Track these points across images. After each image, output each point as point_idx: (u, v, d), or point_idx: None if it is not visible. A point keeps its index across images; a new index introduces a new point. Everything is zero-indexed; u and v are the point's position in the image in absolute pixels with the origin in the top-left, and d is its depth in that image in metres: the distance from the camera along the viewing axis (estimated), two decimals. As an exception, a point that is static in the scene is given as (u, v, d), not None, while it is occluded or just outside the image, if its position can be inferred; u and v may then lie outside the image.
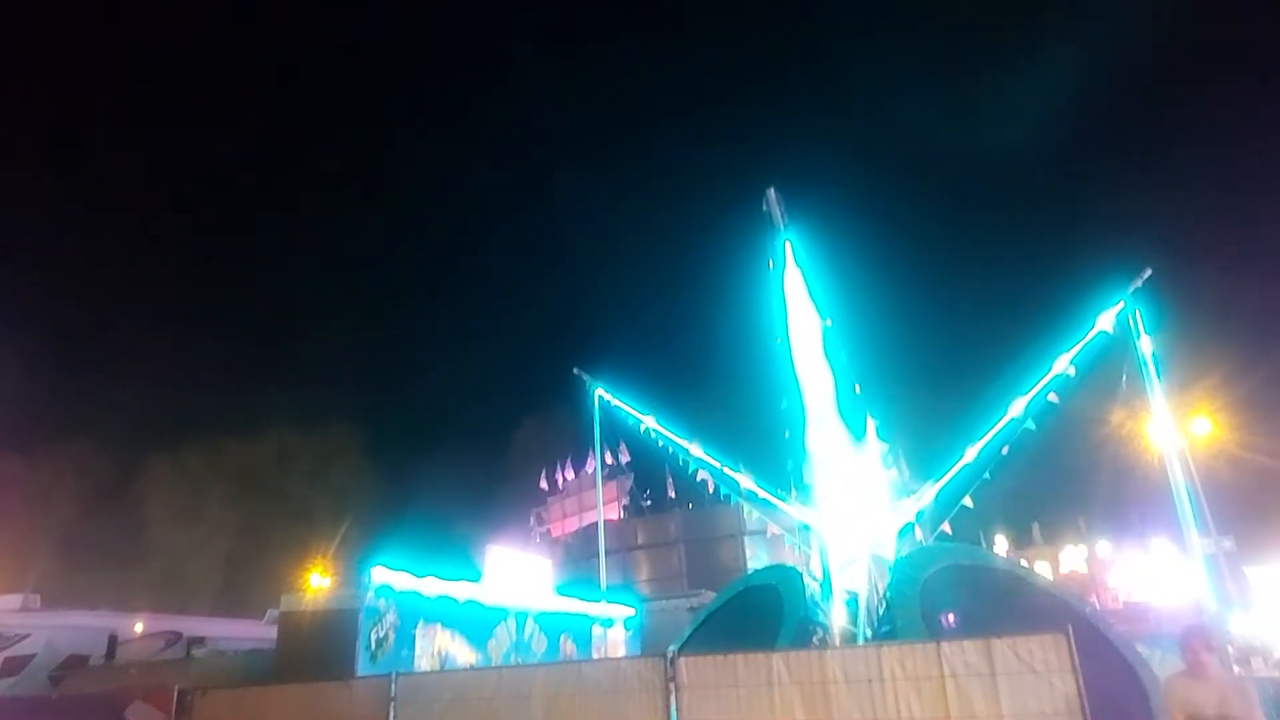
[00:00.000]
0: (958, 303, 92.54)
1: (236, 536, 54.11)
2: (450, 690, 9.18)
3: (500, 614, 16.84)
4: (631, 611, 23.54)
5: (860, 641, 13.45)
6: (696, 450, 20.05)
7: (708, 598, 22.93)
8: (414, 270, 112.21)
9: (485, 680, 9.41)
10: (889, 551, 15.78)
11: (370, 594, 13.65)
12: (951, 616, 12.83)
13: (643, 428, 21.86)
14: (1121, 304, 17.80)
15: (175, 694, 10.46)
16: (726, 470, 19.33)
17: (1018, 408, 16.72)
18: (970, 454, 16.64)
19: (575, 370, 24.98)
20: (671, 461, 22.40)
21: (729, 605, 16.27)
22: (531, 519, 54.01)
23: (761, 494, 18.55)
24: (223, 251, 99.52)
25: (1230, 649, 15.70)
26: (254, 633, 25.13)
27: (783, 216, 17.43)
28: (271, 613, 22.42)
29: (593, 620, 20.91)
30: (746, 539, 36.84)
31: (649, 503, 45.14)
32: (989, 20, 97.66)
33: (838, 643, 13.35)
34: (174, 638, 23.90)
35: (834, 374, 17.16)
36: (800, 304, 17.19)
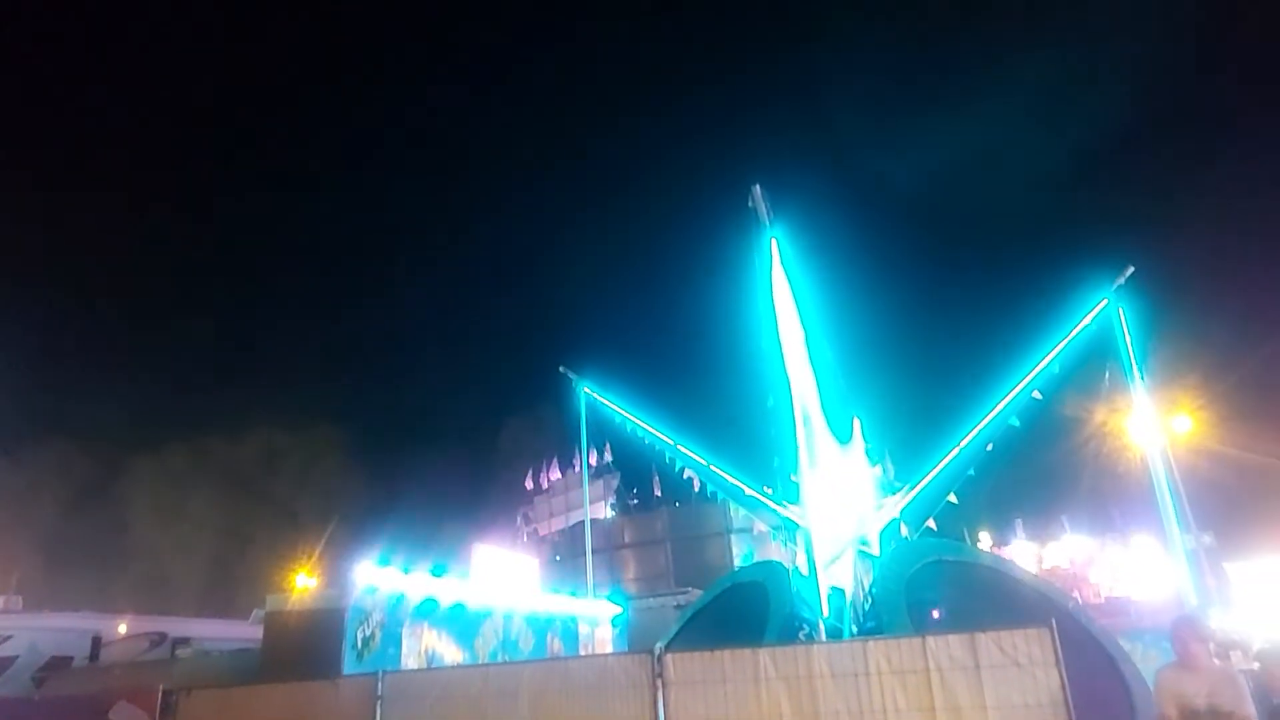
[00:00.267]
0: (942, 299, 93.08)
1: (221, 537, 53.79)
2: (437, 688, 9.17)
3: (487, 613, 16.82)
4: (619, 609, 23.56)
5: (846, 637, 13.53)
6: (684, 448, 20.07)
7: (694, 595, 22.98)
8: (400, 269, 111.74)
9: (472, 678, 9.41)
10: (874, 548, 15.88)
11: (356, 593, 13.60)
12: (936, 612, 12.95)
13: (629, 427, 21.87)
14: (1105, 302, 17.96)
15: (160, 694, 10.38)
16: (713, 468, 19.37)
17: (1002, 405, 16.83)
18: (954, 452, 16.75)
19: (561, 369, 24.96)
20: (658, 460, 22.43)
21: (716, 602, 16.33)
22: (519, 518, 53.90)
23: (748, 492, 18.60)
24: (206, 249, 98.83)
25: (1213, 643, 15.88)
26: (240, 633, 24.98)
27: (768, 213, 17.47)
28: (257, 613, 22.32)
29: (580, 618, 20.91)
30: (733, 536, 36.93)
31: (636, 501, 45.16)
32: (975, 18, 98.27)
33: (824, 638, 13.42)
34: (158, 638, 23.72)
35: (820, 371, 17.24)
36: (786, 301, 17.24)
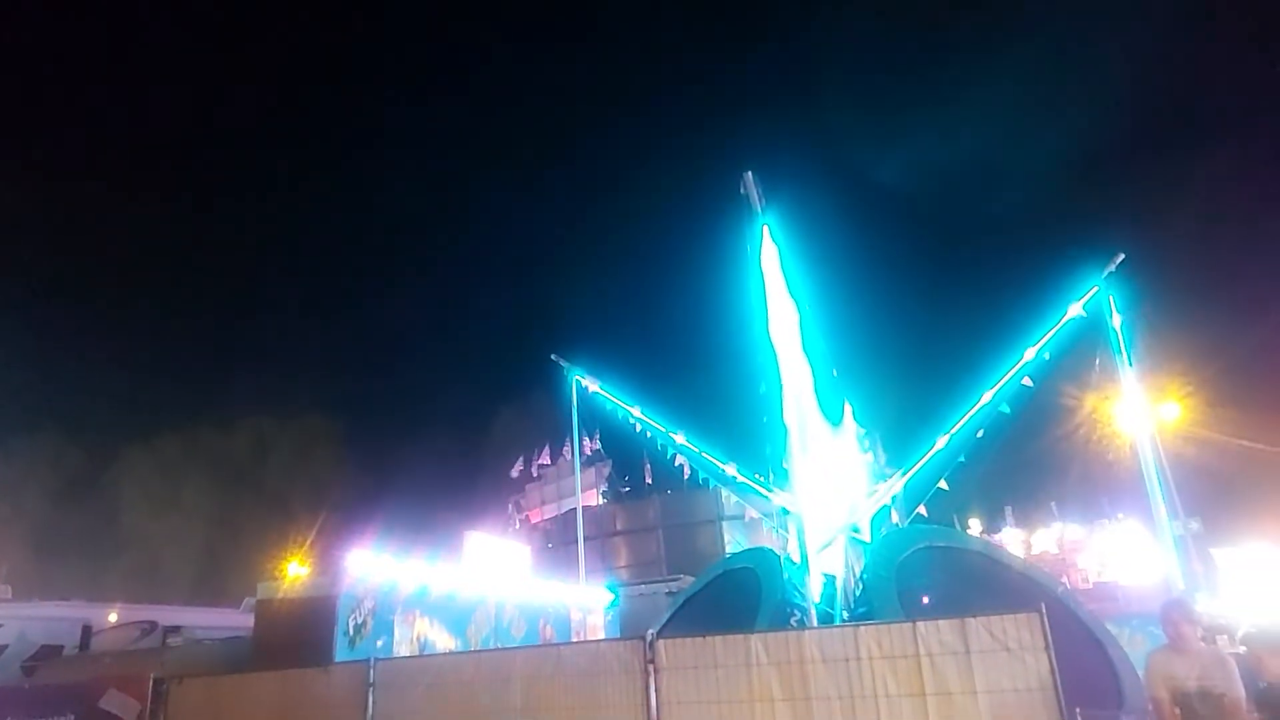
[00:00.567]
0: (933, 287, 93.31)
1: (212, 526, 53.65)
2: (429, 675, 9.18)
3: (479, 600, 16.83)
4: (611, 596, 23.62)
5: (837, 622, 13.60)
6: (676, 436, 20.09)
7: (686, 582, 23.05)
8: (390, 258, 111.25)
9: (464, 665, 9.42)
10: (865, 534, 15.95)
11: (348, 581, 13.58)
12: (925, 599, 13.04)
13: (621, 414, 21.87)
14: (1095, 288, 18.00)
15: (151, 682, 10.37)
16: (705, 455, 19.40)
17: (992, 392, 16.89)
18: (944, 439, 16.82)
19: (553, 357, 24.90)
20: (650, 447, 22.45)
21: (708, 589, 16.38)
22: (510, 506, 53.94)
23: (740, 478, 18.65)
24: (197, 238, 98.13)
25: (1200, 627, 16.04)
26: (231, 621, 24.94)
27: (760, 200, 17.44)
28: (248, 601, 22.28)
29: (572, 606, 20.96)
30: (724, 523, 37.04)
31: (627, 489, 45.28)
32: (967, 7, 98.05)
33: (815, 624, 13.49)
34: (149, 627, 23.64)
35: (811, 358, 17.26)
36: (778, 288, 17.24)
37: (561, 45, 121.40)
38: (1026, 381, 17.00)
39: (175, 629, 23.65)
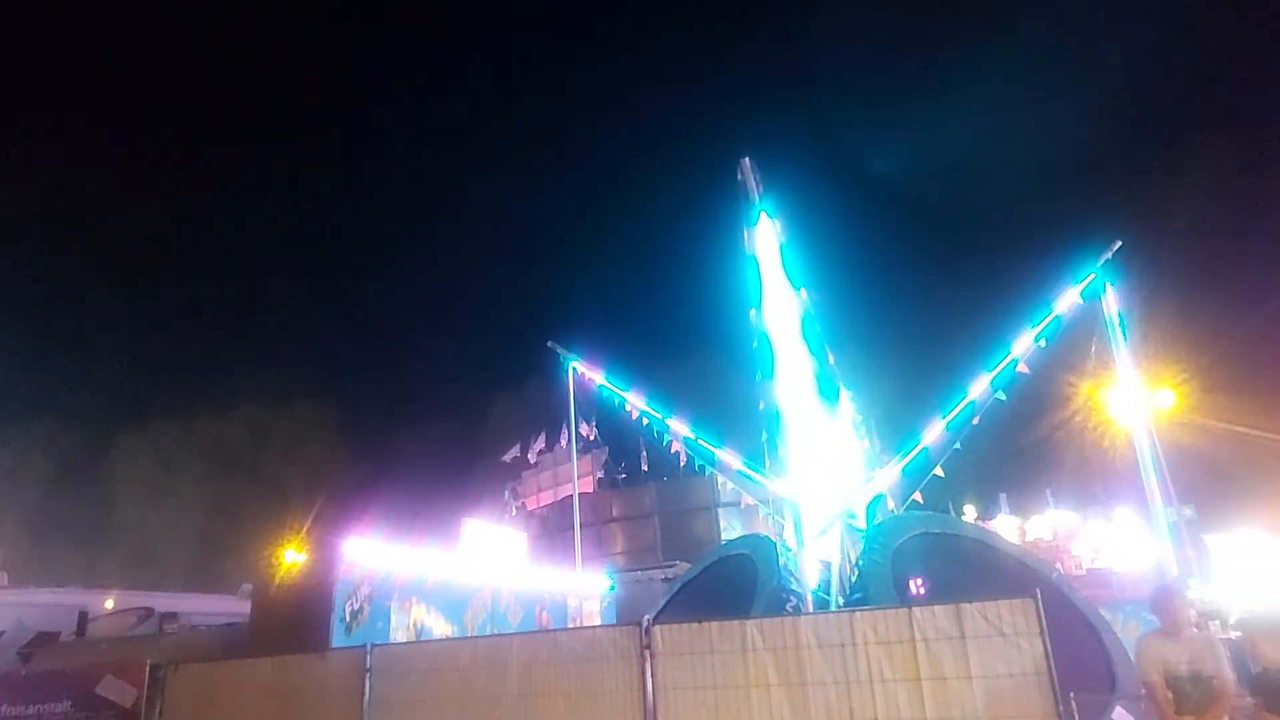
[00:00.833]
0: (930, 273, 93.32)
1: (209, 512, 53.63)
2: (426, 661, 9.18)
3: (476, 587, 16.86)
4: (609, 584, 23.69)
5: (833, 609, 13.66)
6: (672, 422, 20.09)
7: (682, 569, 23.14)
8: (387, 245, 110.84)
9: (461, 650, 9.42)
10: (861, 520, 15.99)
11: (344, 567, 13.59)
12: (921, 583, 13.10)
13: (617, 401, 21.87)
14: (1092, 275, 18.00)
15: (148, 669, 10.37)
16: (701, 442, 19.42)
17: (988, 379, 16.90)
18: (940, 426, 16.84)
19: (549, 344, 24.87)
20: (646, 434, 22.47)
21: (704, 575, 16.45)
22: (506, 493, 53.99)
23: (736, 465, 18.67)
24: (193, 226, 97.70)
25: (1194, 612, 16.15)
26: (228, 608, 24.99)
27: (757, 187, 17.38)
28: (245, 587, 22.32)
29: (568, 592, 21.01)
30: (720, 510, 37.13)
31: (623, 476, 45.30)
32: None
33: (810, 610, 13.55)
34: (146, 613, 23.68)
35: (808, 344, 17.25)
36: (774, 275, 17.21)
37: (557, 33, 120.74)
38: (1023, 369, 17.01)
39: (172, 615, 23.69)
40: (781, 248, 17.55)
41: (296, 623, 13.14)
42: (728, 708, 7.41)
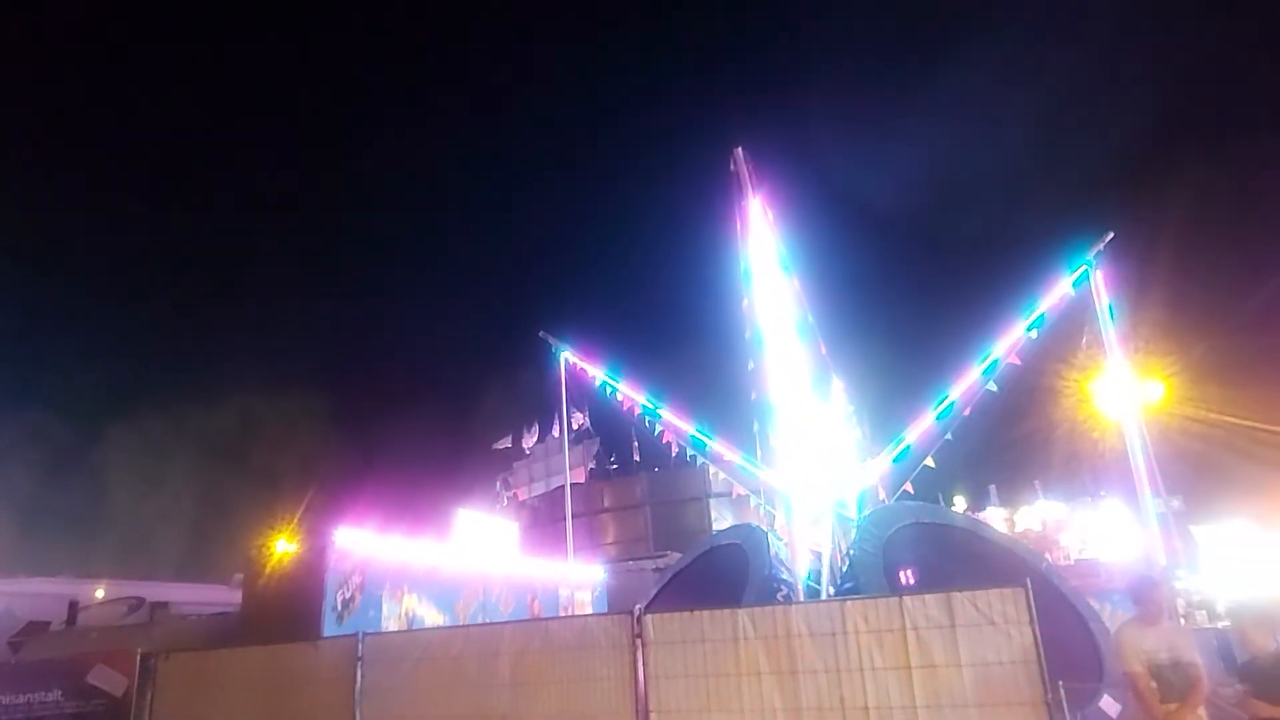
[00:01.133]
0: (923, 265, 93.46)
1: (200, 502, 53.53)
2: (418, 649, 9.19)
3: (468, 576, 16.86)
4: (599, 572, 23.74)
5: (823, 598, 13.71)
6: (664, 412, 20.10)
7: (673, 559, 23.19)
8: (378, 234, 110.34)
9: (453, 639, 9.42)
10: (852, 510, 16.05)
11: (336, 556, 13.57)
12: (911, 574, 13.16)
13: (609, 391, 21.86)
14: (1084, 267, 18.06)
15: (138, 657, 10.35)
16: (693, 432, 19.43)
17: (979, 370, 16.96)
18: (931, 417, 16.89)
19: (541, 334, 24.83)
20: (637, 425, 22.48)
21: (695, 564, 16.50)
22: (498, 483, 53.99)
23: (728, 455, 18.69)
24: (183, 213, 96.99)
25: (1182, 602, 16.29)
26: (220, 597, 24.96)
27: (750, 177, 17.35)
28: (236, 577, 22.27)
29: (560, 582, 21.04)
30: (712, 501, 37.24)
31: (615, 466, 45.37)
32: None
33: (801, 599, 13.59)
34: (136, 603, 23.62)
35: (800, 335, 17.27)
36: (767, 265, 17.20)
37: (551, 24, 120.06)
38: (1015, 360, 17.08)
39: (163, 605, 23.65)
40: (774, 238, 17.53)
41: (288, 612, 13.13)
42: (719, 696, 7.44)
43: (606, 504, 41.11)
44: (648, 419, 20.35)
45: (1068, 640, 10.32)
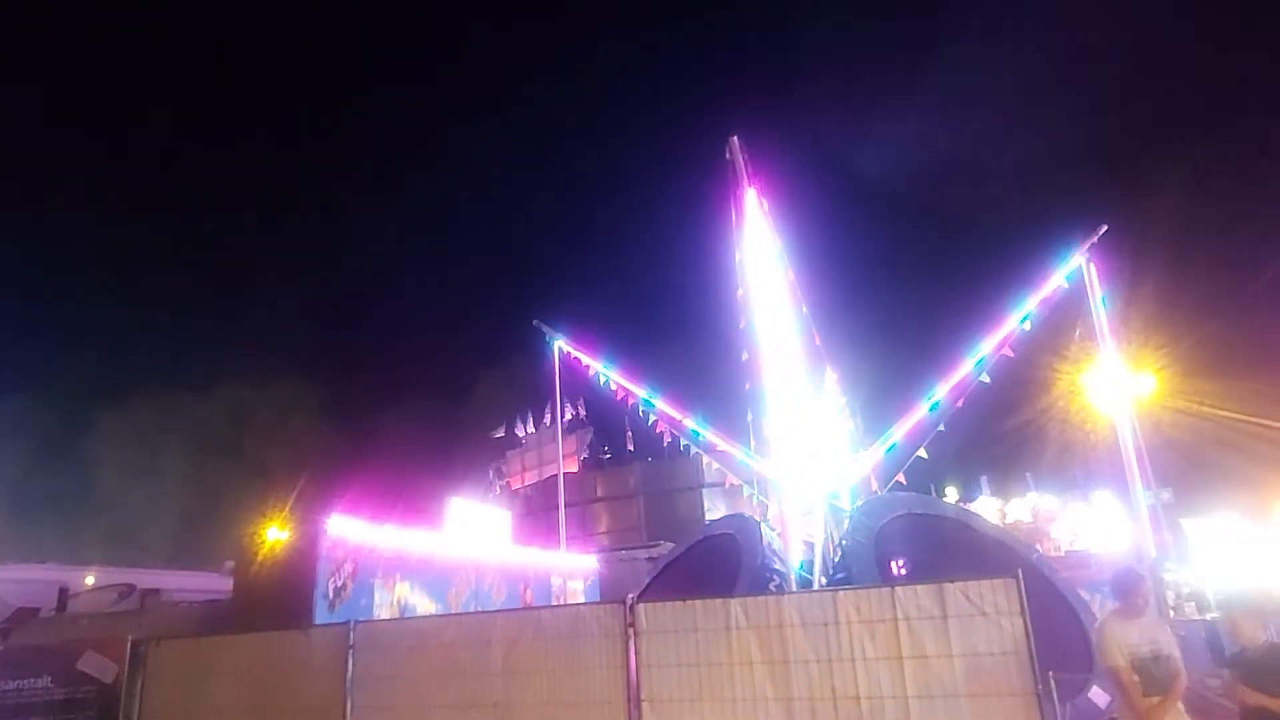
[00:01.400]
0: (917, 256, 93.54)
1: (192, 490, 53.35)
2: (410, 637, 9.17)
3: (460, 565, 16.85)
4: (592, 562, 23.78)
5: (816, 588, 13.74)
6: (658, 402, 20.07)
7: (666, 548, 23.23)
8: (372, 223, 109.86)
9: (445, 627, 9.41)
10: (845, 501, 16.08)
11: (328, 544, 13.54)
12: (903, 565, 13.21)
13: (602, 380, 21.82)
14: (1077, 260, 18.07)
15: (129, 644, 10.30)
16: (687, 421, 19.41)
17: (972, 362, 16.98)
18: (924, 408, 16.91)
19: (535, 323, 24.75)
20: (631, 415, 22.45)
21: (688, 554, 16.52)
22: (490, 472, 53.99)
23: (721, 446, 18.69)
24: (174, 202, 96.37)
25: (1172, 594, 16.42)
26: (211, 585, 24.93)
27: (745, 166, 17.27)
28: (229, 564, 22.23)
29: (552, 571, 21.07)
30: (705, 491, 37.30)
31: (608, 456, 45.42)
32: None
33: (794, 589, 13.62)
34: (127, 590, 23.58)
35: (795, 326, 17.25)
36: (762, 256, 17.16)
37: (544, 10, 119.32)
38: (1008, 352, 17.10)
39: (154, 592, 23.61)
40: (769, 227, 17.48)
41: (279, 599, 13.09)
42: (711, 685, 7.44)
43: (599, 493, 41.16)
44: (642, 409, 20.33)
45: (1058, 631, 10.37)
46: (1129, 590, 5.71)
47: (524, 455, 51.89)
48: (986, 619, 6.73)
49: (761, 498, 18.76)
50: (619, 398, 21.26)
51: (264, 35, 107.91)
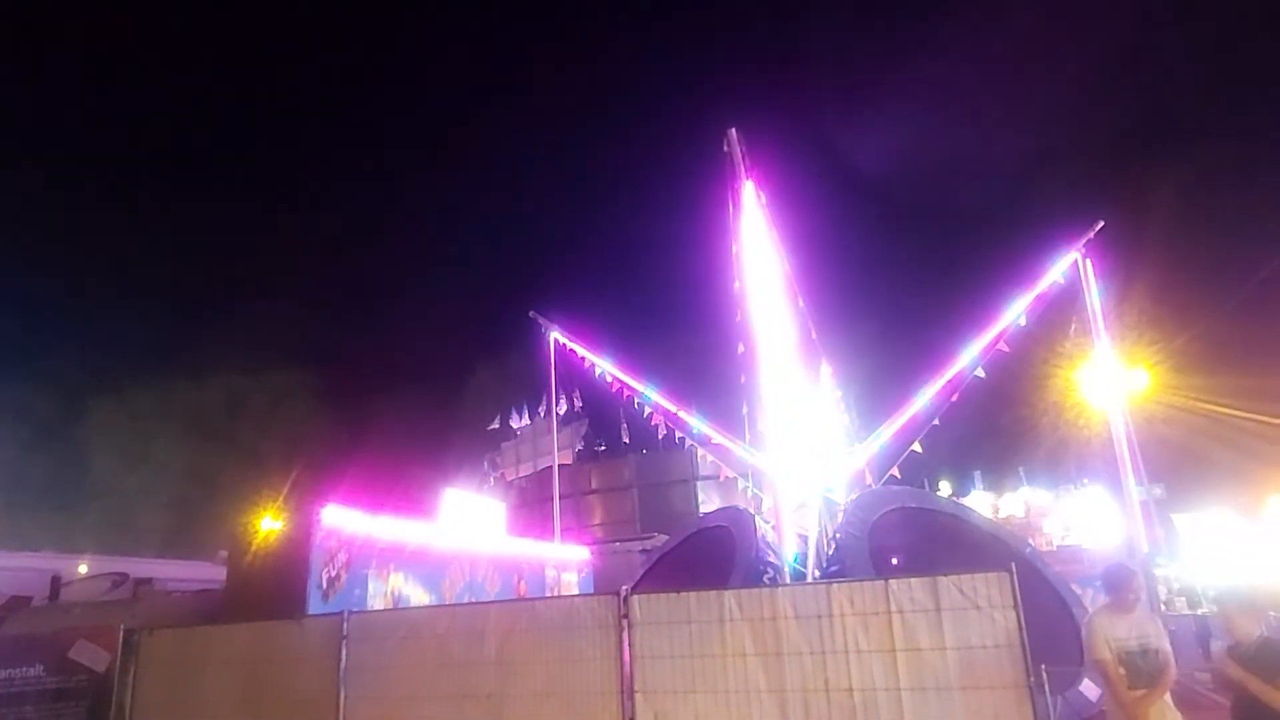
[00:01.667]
0: (914, 252, 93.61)
1: (186, 479, 53.18)
2: (403, 628, 9.16)
3: (454, 556, 16.84)
4: (585, 554, 23.79)
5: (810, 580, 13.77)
6: (653, 395, 20.07)
7: (660, 541, 23.27)
8: (368, 212, 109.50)
9: (439, 618, 9.40)
10: (839, 494, 16.11)
11: (322, 534, 13.50)
12: (896, 558, 13.25)
13: (598, 372, 21.81)
14: (1074, 255, 18.08)
15: (121, 633, 10.28)
16: (682, 414, 19.42)
17: (968, 356, 17.00)
18: (920, 401, 16.94)
19: (531, 314, 24.71)
20: (626, 407, 22.44)
21: (683, 546, 16.55)
22: (485, 463, 53.98)
23: (716, 439, 18.71)
24: (170, 186, 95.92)
25: (1164, 589, 16.50)
26: (204, 574, 24.86)
27: (744, 159, 17.23)
28: (222, 553, 22.18)
29: (546, 563, 21.07)
30: (699, 484, 37.37)
31: (603, 447, 45.44)
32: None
33: (788, 581, 13.66)
34: (120, 579, 23.51)
35: (790, 320, 17.25)
36: (759, 248, 17.14)
37: (545, 7, 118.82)
38: (1003, 347, 17.13)
39: (147, 581, 23.54)
40: (766, 220, 17.46)
41: (273, 589, 13.05)
42: (704, 676, 7.46)
43: (594, 485, 41.20)
44: (637, 401, 20.32)
45: (1050, 624, 10.43)
46: (1119, 585, 5.76)
47: (519, 447, 51.90)
48: (980, 612, 6.75)
49: (756, 491, 18.78)
50: (614, 390, 21.26)
51: (266, 22, 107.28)
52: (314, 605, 12.71)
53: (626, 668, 7.70)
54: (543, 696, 8.01)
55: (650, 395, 19.95)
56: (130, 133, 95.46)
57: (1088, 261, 18.16)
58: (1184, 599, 17.05)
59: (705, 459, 30.77)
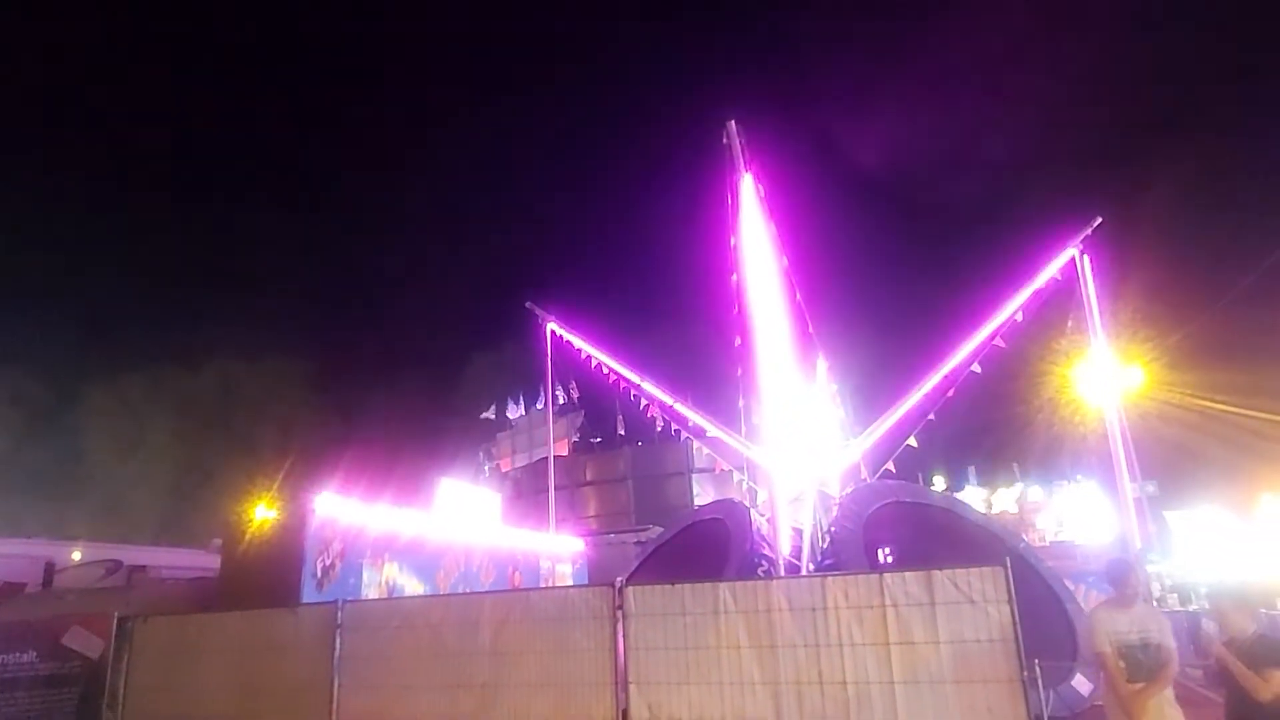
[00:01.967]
0: (911, 246, 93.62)
1: (180, 467, 53.10)
2: (398, 618, 9.16)
3: (449, 546, 16.85)
4: (580, 545, 23.82)
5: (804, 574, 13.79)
6: (650, 386, 20.05)
7: (655, 533, 23.28)
8: (365, 201, 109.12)
9: (433, 608, 9.40)
10: (834, 488, 16.13)
11: (317, 523, 13.49)
12: (890, 552, 13.27)
13: (594, 364, 21.79)
14: (1071, 252, 18.09)
15: (115, 620, 10.27)
16: (678, 406, 19.42)
17: (965, 351, 17.02)
18: (916, 395, 16.96)
19: (528, 305, 24.67)
20: (622, 399, 22.46)
21: (677, 539, 16.56)
22: (481, 454, 53.97)
23: (712, 431, 18.71)
24: (165, 175, 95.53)
25: (1157, 585, 16.56)
26: (199, 562, 24.87)
27: (743, 152, 17.18)
28: (216, 542, 22.17)
29: (541, 554, 21.09)
30: (694, 476, 37.41)
31: (598, 439, 45.45)
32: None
33: (782, 574, 13.68)
34: (114, 566, 23.49)
35: (788, 313, 17.23)
36: (757, 241, 17.11)
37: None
38: (1000, 343, 17.15)
39: (141, 568, 23.53)
40: (764, 213, 17.42)
41: (267, 578, 13.05)
42: (698, 668, 7.47)
43: (589, 477, 41.22)
44: (633, 393, 20.31)
45: (1044, 619, 10.46)
46: (1119, 579, 5.78)
47: (514, 437, 51.89)
48: (974, 606, 6.76)
49: (751, 484, 18.80)
50: (610, 382, 21.26)
51: (265, 21, 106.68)
52: (308, 594, 12.72)
53: (621, 659, 7.70)
54: (537, 687, 8.01)
55: (646, 387, 19.94)
56: (129, 124, 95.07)
57: (1086, 258, 18.18)
58: (1176, 595, 17.12)
59: (701, 451, 30.79)
